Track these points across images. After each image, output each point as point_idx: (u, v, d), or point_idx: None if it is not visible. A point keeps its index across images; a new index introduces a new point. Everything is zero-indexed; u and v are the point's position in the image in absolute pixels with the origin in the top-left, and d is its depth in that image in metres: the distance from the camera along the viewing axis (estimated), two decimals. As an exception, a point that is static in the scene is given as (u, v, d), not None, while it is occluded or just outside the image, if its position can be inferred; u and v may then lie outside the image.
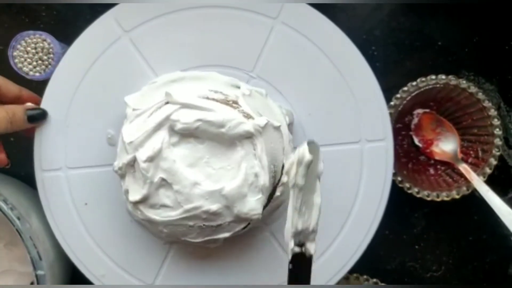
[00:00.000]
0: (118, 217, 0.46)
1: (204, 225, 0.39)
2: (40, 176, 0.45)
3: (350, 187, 0.45)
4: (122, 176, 0.40)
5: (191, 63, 0.45)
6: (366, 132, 0.45)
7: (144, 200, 0.39)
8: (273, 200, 0.41)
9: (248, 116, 0.38)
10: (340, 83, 0.45)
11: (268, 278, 0.45)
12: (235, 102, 0.40)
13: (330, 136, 0.45)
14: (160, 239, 0.43)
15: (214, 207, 0.38)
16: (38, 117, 0.44)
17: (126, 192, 0.40)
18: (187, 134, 0.38)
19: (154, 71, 0.45)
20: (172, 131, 0.38)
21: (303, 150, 0.35)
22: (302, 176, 0.35)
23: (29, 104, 0.44)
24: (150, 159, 0.38)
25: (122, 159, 0.39)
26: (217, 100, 0.39)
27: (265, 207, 0.40)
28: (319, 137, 0.45)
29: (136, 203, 0.39)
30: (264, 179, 0.38)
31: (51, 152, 0.45)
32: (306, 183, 0.36)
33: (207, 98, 0.40)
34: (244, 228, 0.40)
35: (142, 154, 0.38)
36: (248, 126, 0.37)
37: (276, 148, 0.40)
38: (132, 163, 0.39)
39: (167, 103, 0.39)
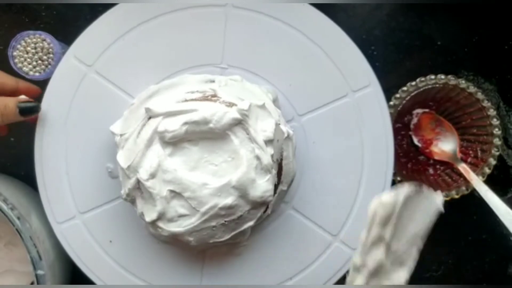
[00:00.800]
0: (147, 244, 0.46)
1: (225, 221, 0.39)
2: (58, 229, 0.45)
3: (351, 147, 0.45)
4: (133, 202, 0.41)
5: (162, 74, 0.45)
6: (351, 84, 0.45)
7: (161, 217, 0.39)
8: (283, 176, 0.42)
9: (230, 104, 0.39)
10: (310, 45, 0.45)
11: (306, 252, 0.46)
12: (214, 95, 0.40)
13: (317, 99, 0.46)
14: (192, 249, 0.43)
15: (229, 200, 0.38)
16: (30, 110, 0.43)
17: (142, 215, 0.40)
18: (179, 141, 0.38)
19: (129, 94, 0.45)
20: (164, 142, 0.38)
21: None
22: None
23: (22, 97, 0.43)
24: (152, 176, 0.38)
25: (126, 186, 0.40)
26: (196, 99, 0.40)
27: (277, 185, 0.40)
28: (307, 104, 0.45)
29: (154, 222, 0.39)
30: (267, 159, 0.38)
31: (60, 202, 0.45)
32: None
33: (186, 100, 0.40)
34: (264, 211, 0.40)
35: (143, 174, 0.38)
36: (233, 113, 0.38)
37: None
38: (137, 186, 0.39)
39: (150, 118, 0.39)
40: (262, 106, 0.40)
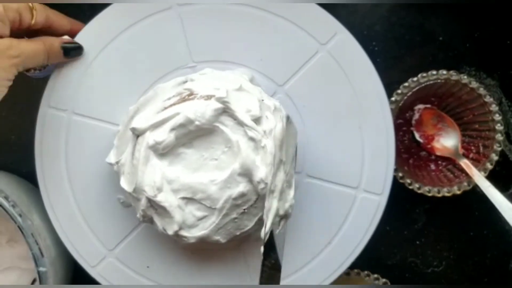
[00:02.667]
0: (183, 258, 0.46)
1: (244, 209, 0.39)
2: (95, 272, 0.45)
3: (342, 96, 0.45)
4: (151, 221, 0.41)
5: (136, 92, 0.45)
6: (318, 38, 0.45)
7: (181, 226, 0.39)
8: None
9: (209, 97, 0.39)
10: (267, 17, 0.44)
11: (335, 214, 0.45)
12: (191, 94, 0.40)
13: (291, 65, 0.45)
14: (227, 248, 0.43)
15: (240, 188, 0.38)
16: (73, 51, 0.44)
17: (164, 230, 0.40)
18: (173, 148, 0.38)
19: (113, 123, 0.45)
20: (159, 154, 0.38)
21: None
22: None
23: (65, 37, 0.44)
24: (159, 190, 0.38)
25: (139, 207, 0.40)
26: (174, 104, 0.40)
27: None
28: (283, 73, 0.45)
29: (177, 233, 0.39)
30: (261, 136, 0.38)
31: (87, 247, 0.45)
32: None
33: (165, 108, 0.40)
34: None
35: (150, 191, 0.38)
36: (213, 104, 0.38)
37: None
38: (149, 204, 0.39)
39: (138, 137, 0.39)
40: (240, 88, 0.40)
